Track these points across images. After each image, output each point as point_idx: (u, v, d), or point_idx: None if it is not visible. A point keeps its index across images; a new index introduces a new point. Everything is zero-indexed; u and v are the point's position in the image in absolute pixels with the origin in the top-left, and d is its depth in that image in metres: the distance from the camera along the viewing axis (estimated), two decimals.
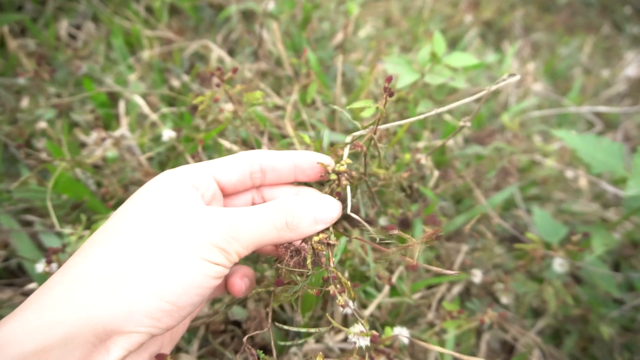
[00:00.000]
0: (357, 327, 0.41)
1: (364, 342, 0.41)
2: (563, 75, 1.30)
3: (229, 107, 0.73)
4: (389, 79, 0.38)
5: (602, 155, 0.59)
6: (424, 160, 0.56)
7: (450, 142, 0.93)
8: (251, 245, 0.34)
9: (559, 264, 0.67)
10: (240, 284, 0.43)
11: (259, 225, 0.34)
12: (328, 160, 0.42)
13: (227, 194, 0.42)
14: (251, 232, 0.34)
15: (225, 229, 0.33)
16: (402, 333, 0.50)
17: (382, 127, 0.42)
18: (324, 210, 0.37)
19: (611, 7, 1.68)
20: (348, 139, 0.43)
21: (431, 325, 0.63)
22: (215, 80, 0.55)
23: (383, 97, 0.39)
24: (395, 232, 0.36)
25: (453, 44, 1.36)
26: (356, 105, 0.58)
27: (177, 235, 0.32)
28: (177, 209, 0.33)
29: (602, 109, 0.75)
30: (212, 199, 0.39)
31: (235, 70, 0.57)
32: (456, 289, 0.74)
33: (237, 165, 0.40)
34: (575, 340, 0.73)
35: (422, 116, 0.42)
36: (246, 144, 0.65)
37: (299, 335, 0.55)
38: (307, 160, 0.42)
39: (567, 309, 0.72)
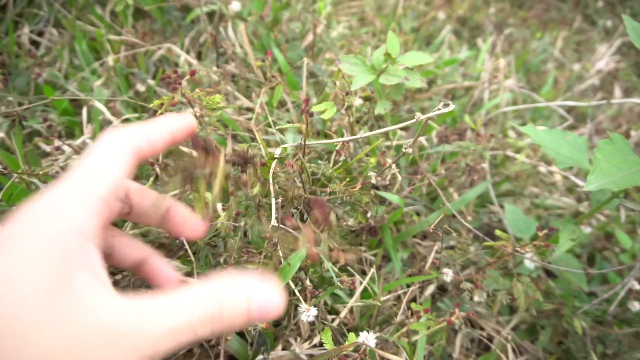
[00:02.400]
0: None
1: None
2: (536, 70, 1.31)
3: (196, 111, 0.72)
4: (307, 100, 0.37)
5: (567, 149, 0.59)
6: (374, 180, 0.56)
7: (424, 141, 0.93)
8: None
9: (530, 260, 0.67)
10: (200, 224, 0.36)
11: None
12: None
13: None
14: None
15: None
16: (368, 338, 0.50)
17: (309, 143, 0.41)
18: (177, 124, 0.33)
19: (584, 1, 1.70)
20: (277, 151, 0.43)
21: (402, 326, 0.62)
22: (173, 83, 0.53)
23: (303, 118, 0.39)
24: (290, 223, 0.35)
25: (428, 41, 1.36)
26: (317, 107, 0.58)
27: None
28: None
29: (571, 103, 0.76)
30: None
31: (193, 73, 0.55)
32: (430, 289, 0.73)
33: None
34: (549, 335, 0.73)
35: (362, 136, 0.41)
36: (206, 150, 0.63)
37: (265, 343, 0.54)
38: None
39: (540, 304, 0.72)
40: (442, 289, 0.77)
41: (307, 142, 0.42)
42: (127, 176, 0.30)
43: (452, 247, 0.78)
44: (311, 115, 0.38)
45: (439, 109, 0.38)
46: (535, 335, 0.77)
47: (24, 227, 0.24)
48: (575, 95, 1.25)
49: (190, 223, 0.36)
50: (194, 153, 0.34)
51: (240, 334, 0.55)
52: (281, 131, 0.68)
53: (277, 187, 0.51)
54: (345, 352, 0.44)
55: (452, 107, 0.37)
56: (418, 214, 0.80)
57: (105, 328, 0.23)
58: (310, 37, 1.03)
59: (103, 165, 0.28)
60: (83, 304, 0.24)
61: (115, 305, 0.24)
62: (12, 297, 0.22)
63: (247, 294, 0.27)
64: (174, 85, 0.53)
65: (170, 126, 0.33)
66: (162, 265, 0.36)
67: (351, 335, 0.47)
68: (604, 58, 1.29)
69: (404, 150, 0.43)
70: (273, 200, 0.46)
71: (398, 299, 0.70)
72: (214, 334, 0.26)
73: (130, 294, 0.25)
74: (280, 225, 0.45)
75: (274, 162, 0.45)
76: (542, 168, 0.95)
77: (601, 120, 1.20)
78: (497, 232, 0.60)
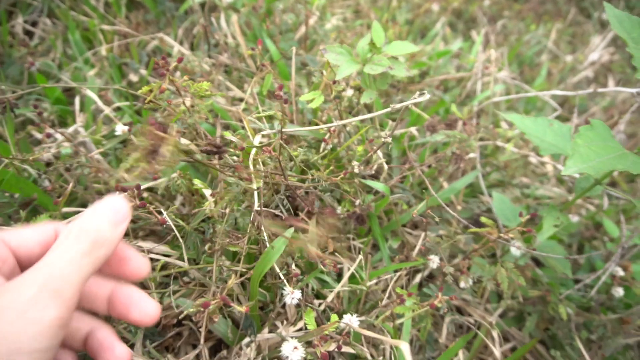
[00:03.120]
0: (291, 344, 0.42)
1: (297, 356, 0.43)
2: (530, 62, 1.31)
3: (186, 100, 0.73)
4: (281, 87, 0.38)
5: (551, 137, 0.60)
6: (356, 169, 0.56)
7: (415, 132, 0.93)
8: (80, 287, 0.30)
9: (516, 247, 0.67)
10: (143, 261, 0.35)
11: (74, 265, 0.30)
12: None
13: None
14: (74, 280, 0.30)
15: (48, 300, 0.28)
16: (351, 321, 0.51)
17: (287, 131, 0.42)
18: (115, 211, 0.33)
19: None
20: (257, 139, 0.43)
21: (386, 311, 0.63)
22: (161, 69, 0.54)
23: (280, 103, 0.39)
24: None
25: (422, 33, 1.36)
26: (305, 97, 0.58)
27: None
28: None
29: (560, 92, 0.76)
30: (10, 274, 0.32)
31: (180, 60, 0.56)
32: (417, 277, 0.74)
33: (38, 236, 0.34)
34: (535, 322, 0.74)
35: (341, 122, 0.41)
36: (197, 134, 0.64)
37: (251, 326, 0.55)
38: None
39: (526, 291, 0.72)
40: (430, 277, 0.78)
41: (284, 129, 0.43)
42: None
43: (441, 237, 0.78)
44: (286, 101, 0.39)
45: (415, 98, 0.39)
46: (522, 322, 0.78)
47: None
48: (569, 87, 1.25)
49: (141, 306, 0.34)
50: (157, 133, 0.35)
51: (226, 317, 0.56)
52: (268, 119, 0.69)
53: (260, 173, 0.52)
54: (326, 332, 0.45)
55: (427, 96, 0.38)
56: (409, 204, 0.81)
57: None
58: (303, 29, 1.04)
59: None
60: None
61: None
62: None
63: (104, 215, 0.32)
64: (162, 72, 0.54)
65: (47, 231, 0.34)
66: (110, 340, 0.35)
67: (333, 316, 0.48)
68: (598, 50, 1.29)
69: (382, 139, 0.44)
70: (255, 186, 0.47)
71: (386, 287, 0.71)
72: (106, 253, 0.32)
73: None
74: (264, 209, 0.46)
75: (254, 150, 0.45)
76: (533, 158, 0.96)
77: (594, 112, 1.20)
78: (483, 219, 0.61)
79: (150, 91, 0.57)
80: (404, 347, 0.34)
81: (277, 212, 0.60)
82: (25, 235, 0.33)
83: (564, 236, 0.87)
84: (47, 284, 0.29)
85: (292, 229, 0.52)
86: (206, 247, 0.52)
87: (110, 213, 0.33)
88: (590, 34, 1.55)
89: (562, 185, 1.01)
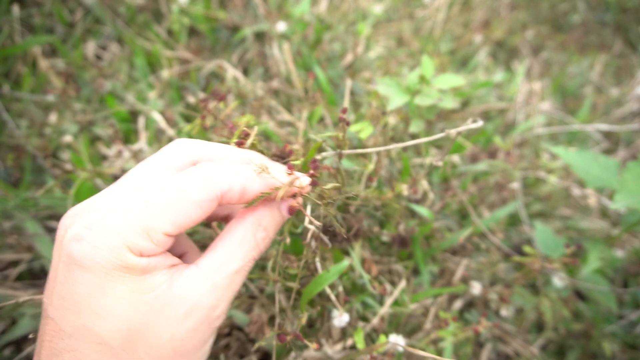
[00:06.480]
0: None
1: None
2: (573, 94, 1.31)
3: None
4: (344, 110, 0.41)
5: (597, 170, 0.60)
6: (406, 191, 0.59)
7: (456, 159, 0.95)
8: None
9: (559, 278, 0.68)
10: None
11: (243, 270, 0.35)
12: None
13: None
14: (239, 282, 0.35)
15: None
16: (397, 341, 0.52)
17: (347, 152, 0.45)
18: (286, 212, 0.39)
19: (626, 26, 1.68)
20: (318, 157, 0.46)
21: (428, 334, 0.64)
22: (202, 111, 0.56)
23: (340, 126, 0.42)
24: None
25: (464, 63, 1.38)
26: (354, 127, 0.62)
27: None
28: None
29: (604, 126, 0.77)
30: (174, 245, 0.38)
31: (223, 98, 0.59)
32: (457, 304, 0.75)
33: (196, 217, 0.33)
34: (577, 356, 0.73)
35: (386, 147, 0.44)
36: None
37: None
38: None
39: (568, 324, 0.72)
40: (469, 305, 0.79)
41: (343, 151, 0.46)
42: (203, 216, 0.33)
43: (482, 264, 0.79)
44: (348, 124, 0.42)
45: (468, 125, 0.41)
46: (563, 356, 0.77)
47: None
48: (614, 120, 1.24)
49: None
50: None
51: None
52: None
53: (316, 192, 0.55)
54: (376, 351, 0.47)
55: (480, 123, 0.40)
56: (450, 230, 0.82)
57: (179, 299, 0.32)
58: (349, 57, 1.08)
59: (177, 202, 0.32)
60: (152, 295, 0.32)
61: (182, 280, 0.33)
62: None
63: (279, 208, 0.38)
64: (203, 115, 0.56)
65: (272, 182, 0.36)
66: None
67: (382, 336, 0.50)
68: None
69: (434, 163, 0.47)
70: (309, 208, 0.50)
71: (426, 311, 0.72)
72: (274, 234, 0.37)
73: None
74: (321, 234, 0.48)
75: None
76: (576, 190, 0.96)
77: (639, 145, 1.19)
78: (525, 248, 0.62)
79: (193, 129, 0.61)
80: None
81: (325, 237, 0.63)
82: (183, 221, 0.32)
83: (607, 270, 0.86)
84: (218, 285, 0.33)
85: (347, 262, 0.54)
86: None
87: (282, 215, 0.38)
88: (635, 66, 1.54)
89: (606, 218, 1.00)
